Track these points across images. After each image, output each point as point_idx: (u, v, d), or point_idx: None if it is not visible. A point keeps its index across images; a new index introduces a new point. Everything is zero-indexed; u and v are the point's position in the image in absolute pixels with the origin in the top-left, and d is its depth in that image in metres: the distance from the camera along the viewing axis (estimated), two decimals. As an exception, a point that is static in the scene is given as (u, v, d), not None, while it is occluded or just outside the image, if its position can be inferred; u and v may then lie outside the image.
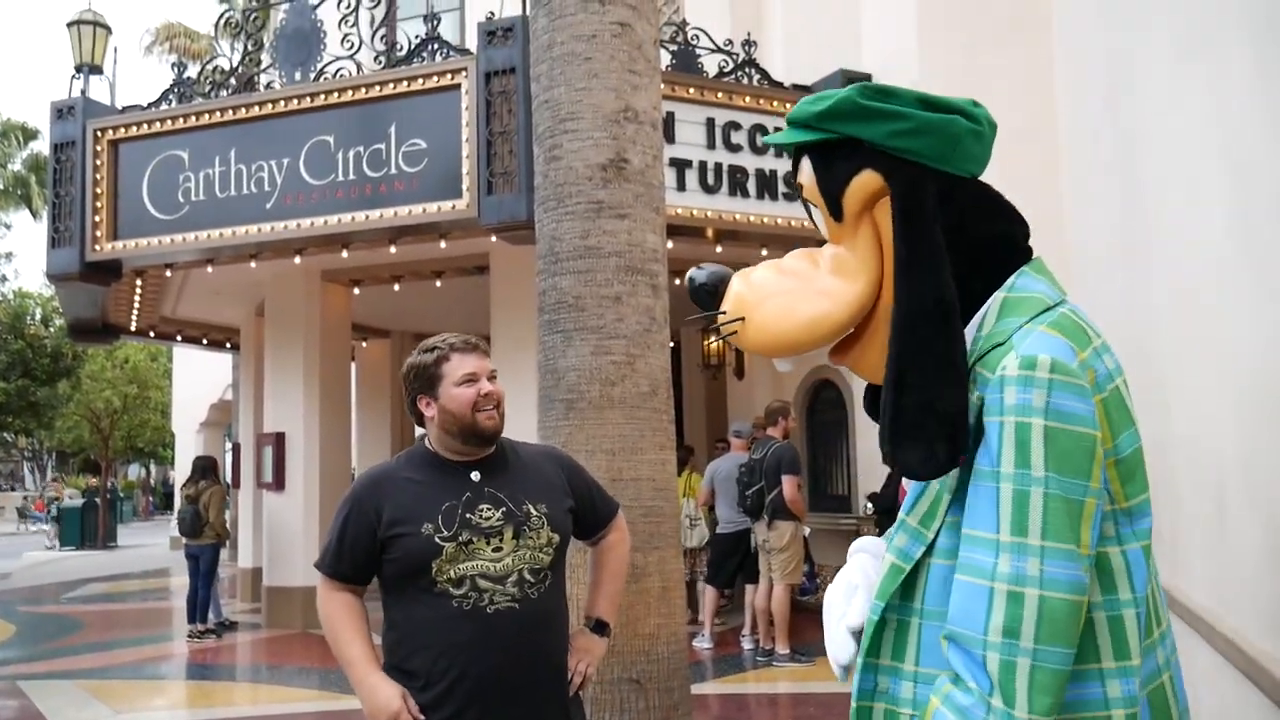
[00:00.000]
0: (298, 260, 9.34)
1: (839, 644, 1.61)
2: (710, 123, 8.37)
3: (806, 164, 1.62)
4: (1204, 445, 3.39)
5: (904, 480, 1.62)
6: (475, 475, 2.39)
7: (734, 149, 8.41)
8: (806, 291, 1.63)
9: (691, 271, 1.79)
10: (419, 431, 2.61)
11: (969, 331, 1.51)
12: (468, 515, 2.33)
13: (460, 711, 2.28)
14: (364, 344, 14.34)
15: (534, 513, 2.38)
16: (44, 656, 9.53)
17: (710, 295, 1.75)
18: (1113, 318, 5.61)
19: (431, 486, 2.38)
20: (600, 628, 2.63)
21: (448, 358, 2.41)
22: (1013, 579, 1.31)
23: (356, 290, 11.23)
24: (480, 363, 2.42)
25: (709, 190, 8.31)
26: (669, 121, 7.99)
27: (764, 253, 9.44)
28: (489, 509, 2.35)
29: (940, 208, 1.52)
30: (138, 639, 10.54)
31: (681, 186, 8.15)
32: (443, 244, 8.69)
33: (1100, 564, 1.38)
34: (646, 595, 4.28)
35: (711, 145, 8.35)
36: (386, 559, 2.35)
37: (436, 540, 2.29)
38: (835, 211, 1.59)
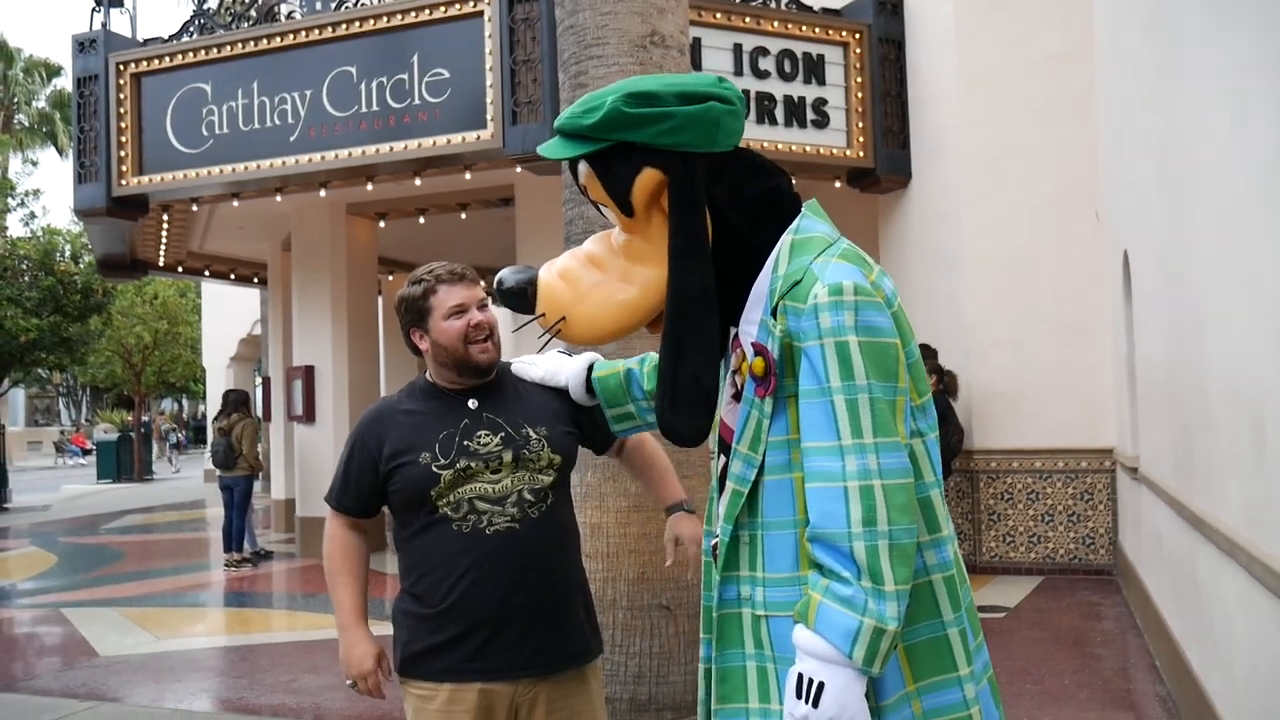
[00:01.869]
0: (323, 193, 9.31)
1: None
2: (738, 48, 8.22)
3: (586, 168, 1.77)
4: (1242, 374, 3.34)
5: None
6: (473, 403, 2.38)
7: (762, 75, 8.26)
8: (618, 282, 1.79)
9: (499, 274, 1.93)
10: None
11: (765, 272, 1.70)
12: (465, 442, 2.33)
13: (465, 634, 2.30)
14: (390, 277, 14.35)
15: (534, 436, 2.37)
16: (86, 585, 9.77)
17: (519, 297, 1.88)
18: (1149, 241, 5.51)
19: (430, 416, 2.38)
20: (685, 507, 2.59)
21: (435, 290, 2.37)
22: (860, 475, 1.53)
23: (382, 223, 11.20)
24: (469, 292, 2.38)
25: (736, 118, 8.17)
26: (695, 47, 7.85)
27: (792, 181, 9.32)
28: (487, 435, 2.35)
29: (715, 184, 1.72)
30: (175, 568, 10.77)
31: (708, 115, 8.02)
32: (467, 175, 8.64)
33: (909, 452, 1.60)
34: (676, 524, 4.31)
35: (739, 72, 8.20)
36: (390, 490, 2.37)
37: (434, 469, 2.30)
38: (626, 210, 1.75)
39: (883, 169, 8.75)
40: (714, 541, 1.84)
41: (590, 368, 2.37)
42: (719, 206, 1.74)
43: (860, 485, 1.53)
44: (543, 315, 1.85)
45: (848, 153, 8.63)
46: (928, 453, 1.70)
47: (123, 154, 9.06)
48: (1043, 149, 8.27)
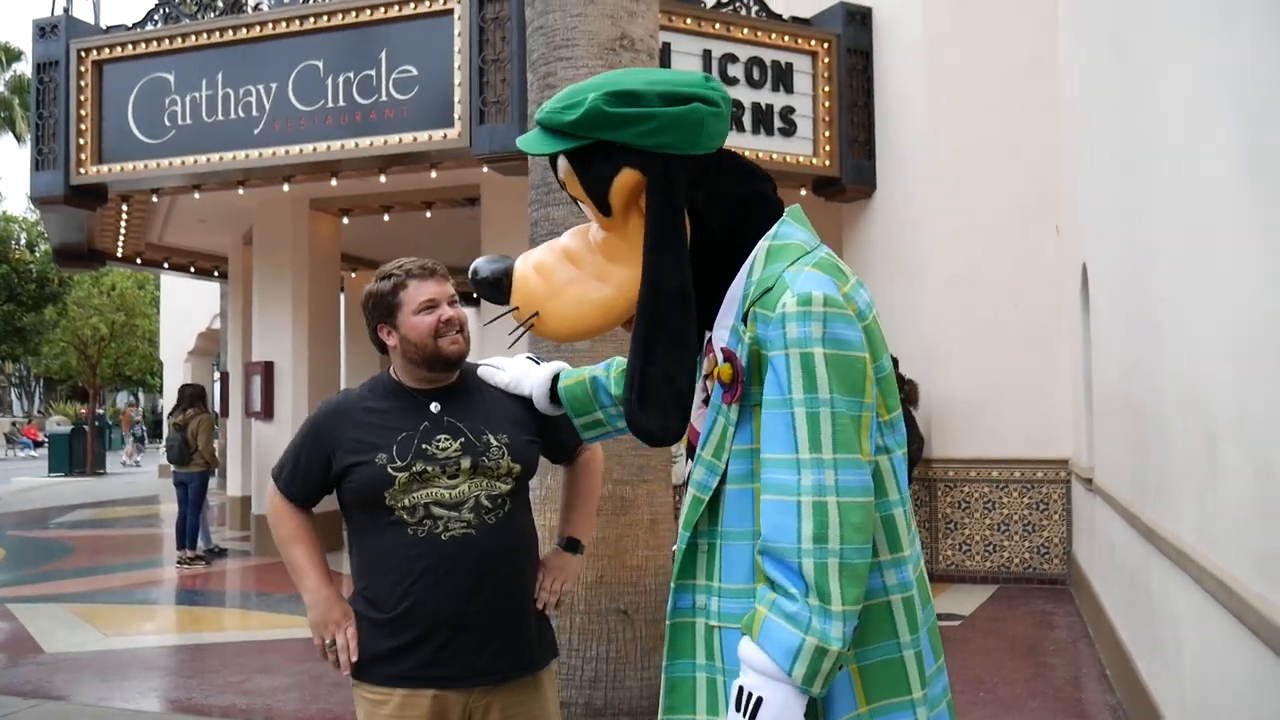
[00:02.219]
0: (286, 188, 9.21)
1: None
2: (707, 54, 8.23)
3: (565, 164, 1.74)
4: (1197, 387, 3.38)
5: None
6: (435, 406, 2.35)
7: (730, 82, 8.28)
8: (593, 280, 1.77)
9: (475, 263, 1.91)
10: None
11: (740, 277, 1.67)
12: (424, 446, 2.30)
13: (420, 639, 2.27)
14: (353, 274, 14.24)
15: (494, 443, 2.33)
16: (33, 580, 9.57)
17: (494, 287, 1.87)
18: (1108, 254, 5.59)
19: (390, 415, 2.34)
20: (571, 545, 2.56)
21: (404, 285, 2.33)
22: (815, 490, 1.50)
23: (345, 220, 11.11)
24: (439, 288, 2.35)
25: (704, 124, 8.18)
26: (665, 52, 7.85)
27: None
28: (446, 439, 2.31)
29: (695, 186, 1.69)
30: (127, 564, 10.60)
31: (676, 119, 8.02)
32: (433, 174, 8.58)
33: (874, 470, 1.57)
34: (635, 527, 4.29)
35: (707, 77, 8.21)
36: (344, 487, 2.34)
37: (389, 470, 2.27)
38: (603, 209, 1.73)
39: (848, 178, 8.80)
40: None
41: (556, 377, 2.33)
42: (698, 209, 1.71)
43: (814, 501, 1.50)
44: (516, 309, 1.83)
45: (814, 161, 8.67)
46: (894, 470, 1.66)
47: (82, 142, 8.91)
48: (1007, 162, 8.36)
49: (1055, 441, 8.22)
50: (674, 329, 1.66)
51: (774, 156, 8.46)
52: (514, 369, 2.39)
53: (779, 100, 8.50)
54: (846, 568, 1.49)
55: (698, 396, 1.80)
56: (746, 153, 8.26)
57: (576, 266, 1.79)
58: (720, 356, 1.69)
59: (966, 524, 8.43)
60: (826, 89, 8.69)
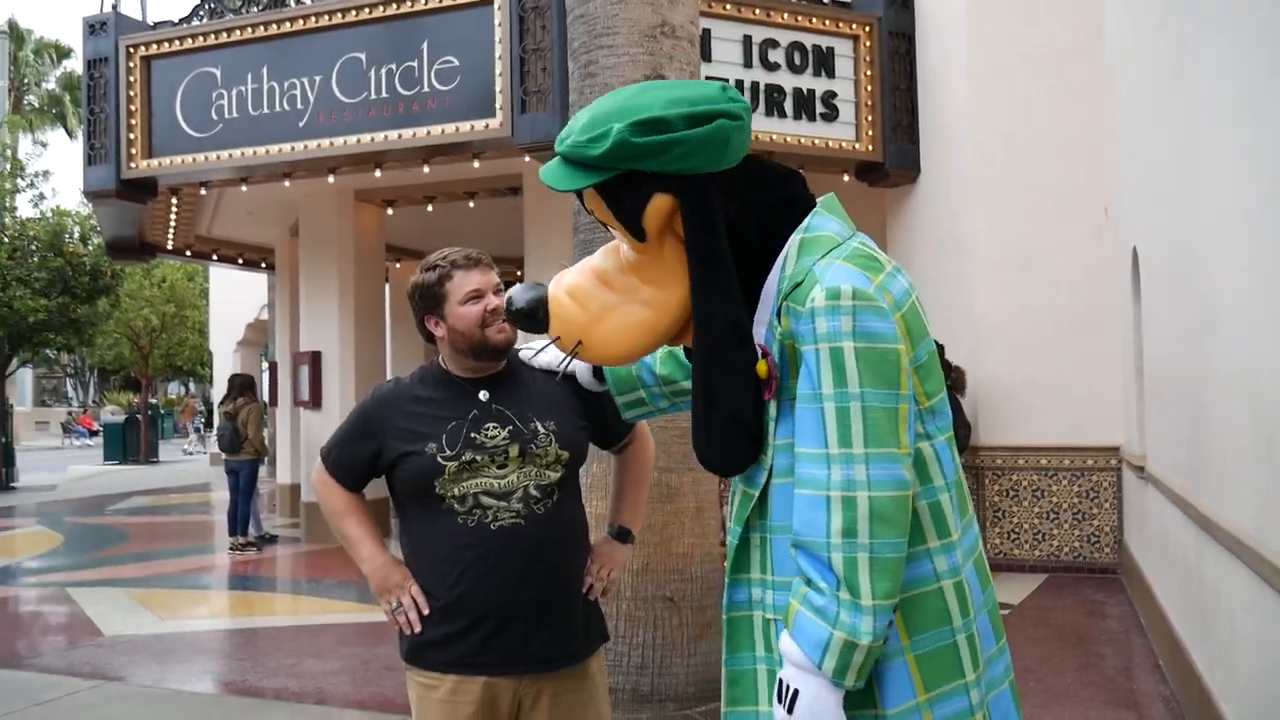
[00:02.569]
0: (331, 180, 9.30)
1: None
2: (747, 40, 8.18)
3: (592, 194, 1.70)
4: (1252, 371, 3.31)
5: None
6: (484, 394, 2.36)
7: (771, 67, 8.22)
8: (633, 304, 1.74)
9: (510, 293, 1.91)
10: None
11: (774, 272, 1.67)
12: (473, 435, 2.31)
13: (470, 627, 2.28)
14: (397, 264, 14.35)
15: (542, 430, 2.34)
16: (91, 565, 9.78)
17: (530, 318, 1.86)
18: (1159, 237, 5.48)
19: (439, 405, 2.35)
20: (621, 535, 2.57)
21: (450, 275, 2.34)
22: (844, 485, 1.50)
23: (389, 210, 11.19)
24: (484, 277, 2.35)
25: (746, 110, 8.14)
26: (705, 39, 7.81)
27: (805, 183, 9.27)
28: (495, 428, 2.32)
29: (726, 200, 1.67)
30: (180, 550, 10.79)
31: (718, 106, 7.98)
32: (475, 164, 8.62)
33: (916, 458, 1.58)
34: (681, 515, 4.29)
35: (748, 63, 8.17)
36: (395, 476, 2.36)
37: (439, 460, 2.28)
38: (638, 235, 1.70)
39: (891, 163, 8.71)
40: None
41: None
42: (731, 221, 1.69)
43: (843, 496, 1.50)
44: (558, 339, 1.82)
45: (856, 146, 8.59)
46: (937, 456, 1.64)
47: (132, 136, 9.05)
48: (1053, 143, 8.23)
49: (1105, 428, 8.10)
50: (733, 365, 1.65)
51: (816, 142, 8.40)
52: (554, 348, 2.34)
53: (820, 85, 8.43)
54: (877, 562, 1.49)
55: None
56: (788, 139, 8.23)
57: (612, 289, 1.76)
58: (758, 353, 1.69)
59: (1015, 512, 8.34)
60: (868, 73, 8.60)
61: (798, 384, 1.60)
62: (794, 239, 1.67)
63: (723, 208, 1.67)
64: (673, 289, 1.71)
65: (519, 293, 1.89)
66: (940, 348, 8.36)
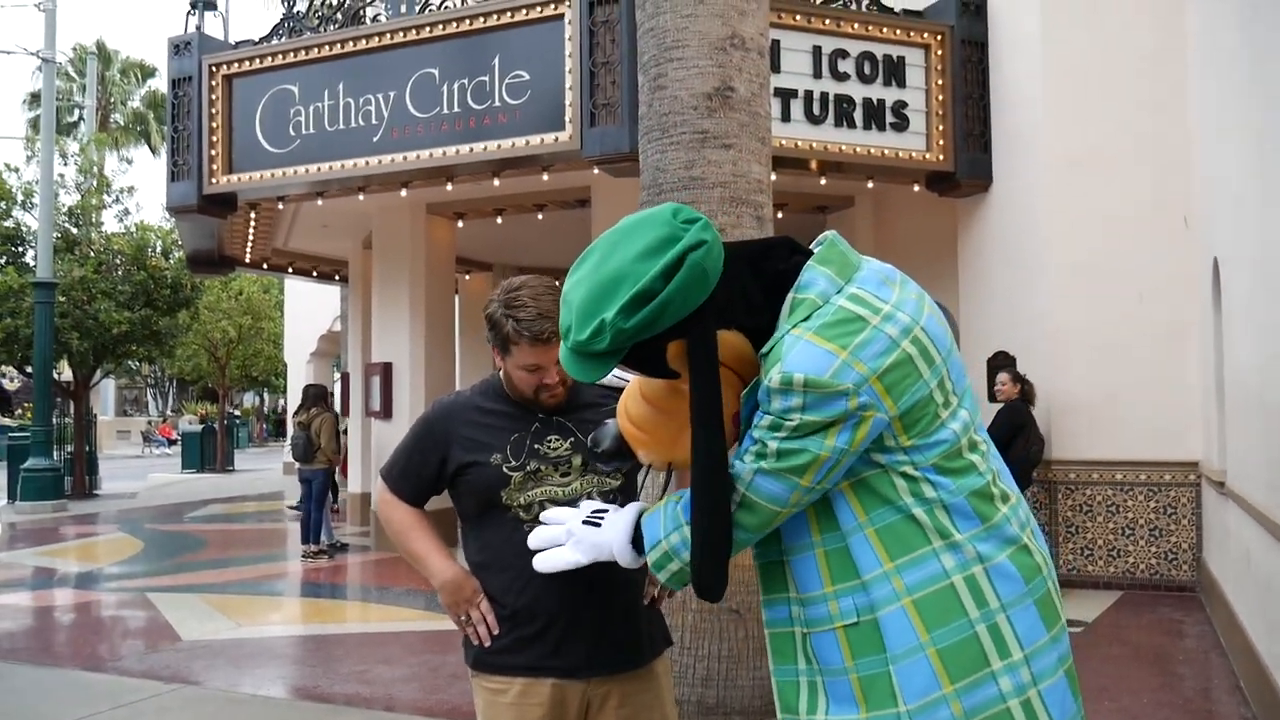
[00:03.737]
0: (404, 193, 9.47)
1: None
2: (817, 50, 8.16)
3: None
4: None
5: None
6: (543, 411, 2.41)
7: (841, 77, 8.20)
8: (686, 424, 1.81)
9: (595, 437, 2.02)
10: None
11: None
12: (536, 445, 2.36)
13: (537, 633, 2.32)
14: (467, 277, 14.54)
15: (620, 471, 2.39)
16: (169, 571, 10.06)
17: (615, 457, 1.99)
18: (1242, 246, 5.35)
19: (502, 417, 2.40)
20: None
21: (518, 342, 2.31)
22: (736, 474, 1.73)
23: (460, 223, 11.35)
24: (549, 354, 2.30)
25: (814, 120, 8.12)
26: (774, 50, 7.81)
27: (869, 185, 9.23)
28: (557, 439, 2.38)
29: (729, 312, 1.75)
30: (255, 557, 11.04)
31: (786, 117, 7.99)
32: (545, 176, 8.71)
33: (903, 480, 1.70)
34: (747, 527, 4.29)
35: (818, 74, 8.15)
36: (460, 486, 2.39)
37: (505, 470, 2.33)
38: (671, 377, 1.79)
39: (963, 172, 8.62)
40: None
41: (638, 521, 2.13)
42: (736, 320, 1.77)
43: (736, 480, 1.73)
44: (651, 465, 1.94)
45: (927, 156, 8.52)
46: (925, 477, 1.72)
47: (213, 153, 9.31)
48: (1130, 152, 8.08)
49: (1183, 443, 7.90)
50: (725, 495, 1.73)
51: (886, 152, 8.35)
52: (577, 533, 2.11)
53: (891, 95, 8.38)
54: (720, 538, 1.72)
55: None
56: (857, 149, 8.20)
57: (669, 415, 1.83)
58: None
59: (1089, 528, 8.17)
60: (940, 82, 8.53)
61: (750, 419, 1.75)
62: (789, 297, 1.74)
63: (724, 320, 1.75)
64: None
65: (603, 437, 1.99)
66: (1012, 359, 8.24)
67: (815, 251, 1.78)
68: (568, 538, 2.06)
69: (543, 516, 2.17)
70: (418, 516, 2.48)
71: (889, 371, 1.66)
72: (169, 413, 47.65)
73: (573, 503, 2.33)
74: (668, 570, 1.84)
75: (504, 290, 2.38)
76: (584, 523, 2.03)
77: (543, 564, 2.07)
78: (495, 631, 2.35)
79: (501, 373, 2.48)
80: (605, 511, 2.04)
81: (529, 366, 2.35)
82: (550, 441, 2.37)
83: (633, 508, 2.02)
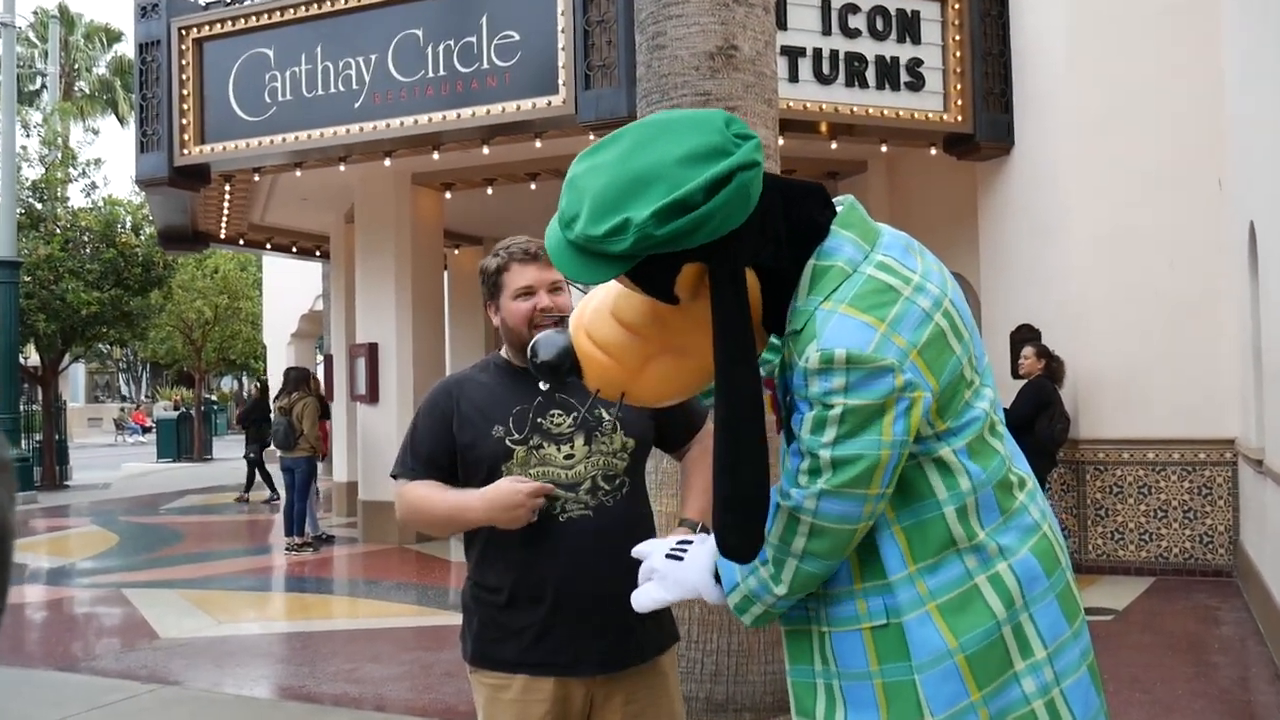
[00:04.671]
0: (387, 163, 9.44)
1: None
2: (826, 5, 8.11)
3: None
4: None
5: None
6: (544, 385, 2.40)
7: (851, 34, 8.15)
8: (669, 354, 1.74)
9: (534, 344, 1.86)
10: None
11: (791, 304, 1.70)
12: (538, 420, 2.37)
13: (539, 624, 2.33)
14: (456, 251, 14.51)
15: (606, 417, 2.39)
16: (146, 566, 10.09)
17: (554, 372, 1.83)
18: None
19: (503, 390, 2.42)
20: (694, 529, 2.51)
21: (507, 267, 2.39)
22: (795, 507, 1.65)
23: (448, 194, 11.33)
24: (540, 274, 2.38)
25: (824, 80, 8.09)
26: (780, 6, 7.76)
27: (883, 148, 9.19)
28: (560, 414, 2.39)
29: (758, 246, 1.67)
30: (236, 551, 11.09)
31: (794, 77, 7.95)
32: (538, 144, 8.67)
33: (938, 467, 1.67)
34: (756, 513, 4.30)
35: (827, 30, 8.10)
36: (462, 462, 2.39)
37: (508, 443, 2.34)
38: (670, 302, 1.70)
39: (983, 134, 8.59)
40: None
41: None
42: (762, 262, 1.70)
43: (790, 512, 1.66)
44: (599, 391, 1.81)
45: (945, 117, 8.48)
46: (962, 464, 1.68)
47: (185, 122, 9.28)
48: (1159, 111, 8.04)
49: (1219, 419, 7.91)
50: (754, 441, 1.65)
51: (900, 113, 8.31)
52: (689, 569, 1.97)
53: (905, 52, 8.33)
54: (800, 572, 1.69)
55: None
56: (870, 110, 8.16)
57: (644, 339, 1.74)
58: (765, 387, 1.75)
59: (1119, 511, 8.18)
60: (957, 38, 8.48)
61: (793, 418, 1.70)
62: (808, 266, 1.68)
63: (752, 254, 1.68)
64: (708, 333, 1.67)
65: (543, 346, 1.85)
66: (1037, 333, 8.23)
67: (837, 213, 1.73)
68: (652, 574, 1.93)
69: (633, 552, 1.99)
70: (434, 486, 2.41)
71: (927, 346, 1.62)
72: (143, 399, 47.73)
73: (575, 486, 2.35)
74: (751, 614, 1.77)
75: (495, 246, 2.46)
76: (668, 556, 1.92)
77: (638, 604, 1.94)
78: (550, 490, 2.28)
79: (500, 331, 2.49)
80: (689, 542, 1.92)
81: (521, 291, 2.37)
82: (553, 416, 2.39)
83: (711, 543, 1.86)
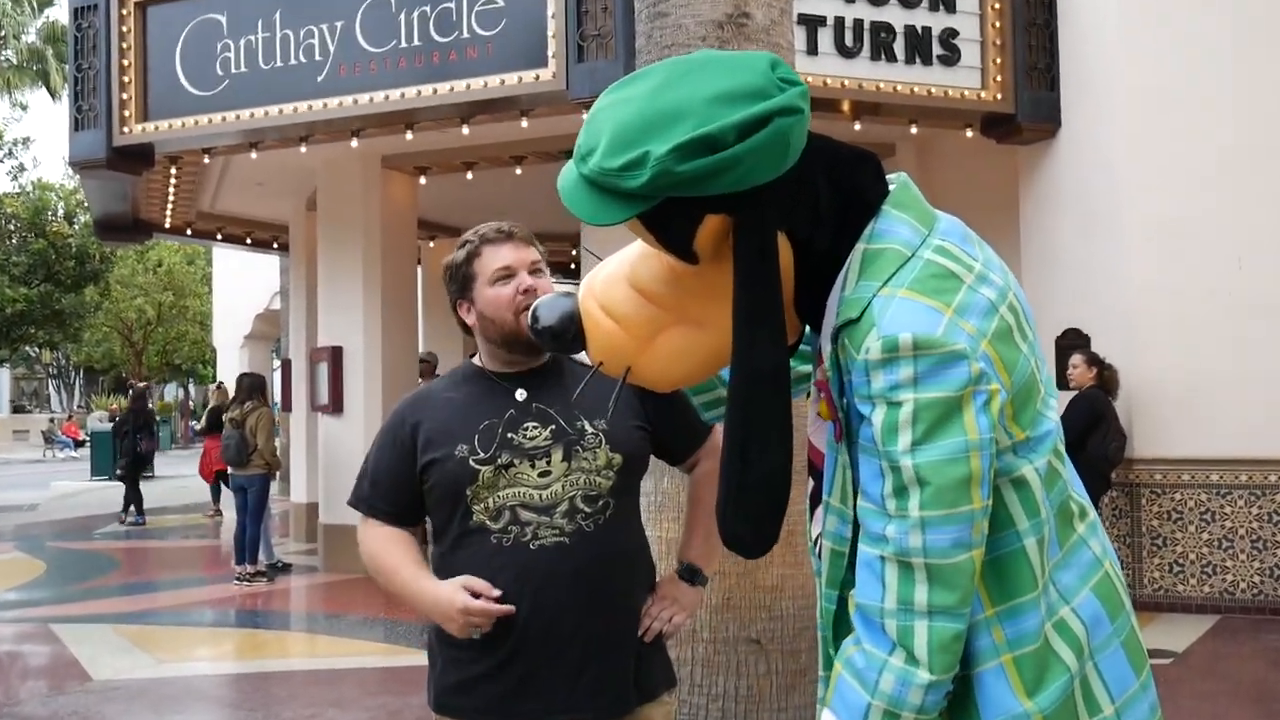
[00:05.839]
0: (354, 144, 9.44)
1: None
2: (849, -31, 8.13)
3: (633, 220, 1.67)
4: None
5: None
6: (521, 393, 2.40)
7: (878, 2, 8.17)
8: (684, 325, 1.73)
9: (535, 308, 1.87)
10: None
11: (836, 288, 1.67)
12: (509, 435, 2.34)
13: (505, 664, 2.30)
14: (431, 244, 14.52)
15: (589, 429, 2.36)
16: (77, 598, 10.07)
17: (558, 339, 1.84)
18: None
19: (471, 403, 2.40)
20: (690, 574, 2.55)
21: (479, 252, 2.38)
22: (899, 550, 1.55)
23: (423, 180, 11.33)
24: (518, 253, 2.38)
25: (846, 53, 8.10)
26: (798, -32, 7.79)
27: (913, 130, 9.21)
28: (535, 427, 2.36)
29: (792, 208, 1.66)
30: (180, 581, 11.08)
31: (813, 49, 7.96)
32: (524, 123, 8.68)
33: (1018, 491, 1.62)
34: (768, 541, 4.29)
35: (850, -3, 8.13)
36: (425, 489, 2.39)
37: (471, 463, 2.31)
38: (689, 260, 1.69)
39: (1025, 114, 8.61)
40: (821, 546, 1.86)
41: None
42: (795, 228, 1.68)
43: (899, 560, 1.56)
44: (602, 364, 1.82)
45: (982, 95, 8.50)
46: (1041, 482, 1.65)
47: (125, 96, 9.28)
48: (1226, 88, 8.06)
49: (1292, 437, 7.92)
50: (773, 417, 1.65)
51: (932, 90, 8.33)
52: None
53: (939, 22, 8.35)
54: (935, 631, 1.55)
55: (811, 409, 1.83)
56: (898, 87, 8.18)
57: (658, 305, 1.75)
58: (815, 391, 1.71)
59: (1178, 539, 8.18)
60: (997, 5, 8.50)
61: (859, 431, 1.63)
62: (856, 250, 1.66)
63: (784, 217, 1.66)
64: (730, 304, 1.68)
65: (545, 308, 1.87)
66: (1086, 339, 8.24)
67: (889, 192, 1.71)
68: None
69: None
70: (398, 543, 2.44)
71: (997, 338, 1.60)
72: (75, 409, 47.71)
73: (550, 509, 2.32)
74: None
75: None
76: None
77: None
78: (493, 594, 2.27)
79: (477, 330, 2.48)
80: None
81: (499, 275, 2.36)
82: (527, 430, 2.36)
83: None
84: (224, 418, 11.21)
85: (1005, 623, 1.61)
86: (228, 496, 15.73)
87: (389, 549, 2.43)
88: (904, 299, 1.58)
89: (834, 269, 1.68)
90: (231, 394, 11.06)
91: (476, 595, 2.27)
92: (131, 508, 15.42)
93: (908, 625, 1.55)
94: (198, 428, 18.15)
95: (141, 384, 16.33)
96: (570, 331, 1.82)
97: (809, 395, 1.91)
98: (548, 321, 1.85)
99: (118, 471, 15.42)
